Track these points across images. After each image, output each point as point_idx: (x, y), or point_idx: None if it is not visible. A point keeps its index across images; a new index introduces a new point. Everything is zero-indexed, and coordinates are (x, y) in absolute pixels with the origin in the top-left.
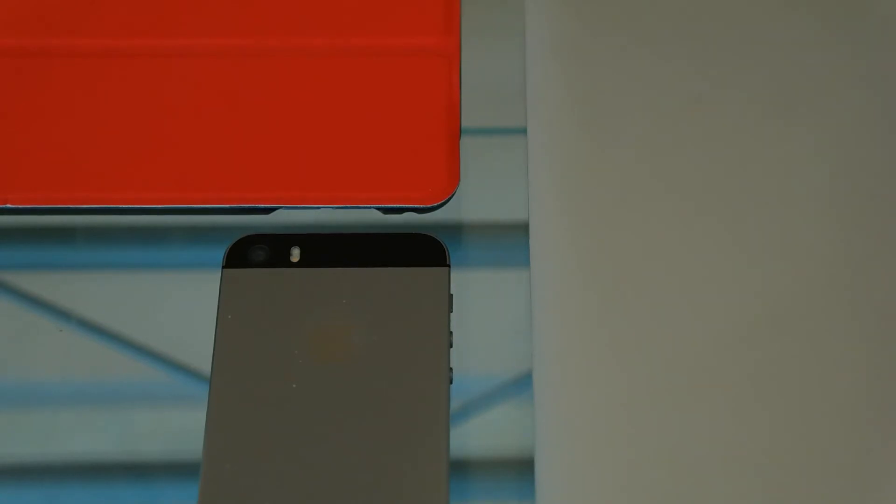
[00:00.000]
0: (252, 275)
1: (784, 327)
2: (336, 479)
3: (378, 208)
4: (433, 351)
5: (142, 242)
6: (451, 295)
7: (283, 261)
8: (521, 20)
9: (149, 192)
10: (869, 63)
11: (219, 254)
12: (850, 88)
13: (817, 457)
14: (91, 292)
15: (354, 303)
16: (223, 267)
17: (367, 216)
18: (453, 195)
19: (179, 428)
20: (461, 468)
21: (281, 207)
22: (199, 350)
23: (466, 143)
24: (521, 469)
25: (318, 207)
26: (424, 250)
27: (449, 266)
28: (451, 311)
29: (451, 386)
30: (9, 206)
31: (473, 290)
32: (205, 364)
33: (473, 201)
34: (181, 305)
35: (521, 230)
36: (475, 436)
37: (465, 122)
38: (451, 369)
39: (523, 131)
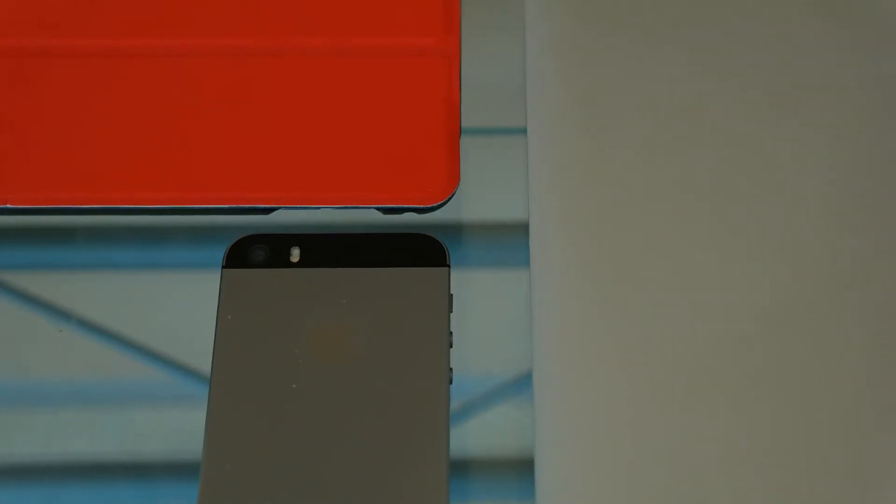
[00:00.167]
0: (252, 275)
1: (784, 327)
2: (336, 479)
3: (378, 208)
4: (433, 351)
5: (142, 242)
6: (451, 295)
7: (282, 261)
8: (521, 20)
9: (149, 192)
10: (869, 63)
11: (219, 254)
12: (850, 88)
13: (817, 457)
14: (91, 292)
15: (354, 303)
16: (223, 267)
17: (367, 216)
18: (453, 195)
19: (179, 428)
20: (461, 468)
21: (281, 207)
22: (199, 350)
23: (466, 143)
24: (521, 469)
25: (318, 207)
26: (424, 250)
27: (449, 266)
28: (451, 311)
29: (451, 386)
30: (9, 206)
31: (473, 290)
32: (205, 364)
33: (473, 201)
34: (181, 305)
35: (521, 230)
36: (475, 436)
37: (465, 122)
38: (451, 369)
39: (523, 131)
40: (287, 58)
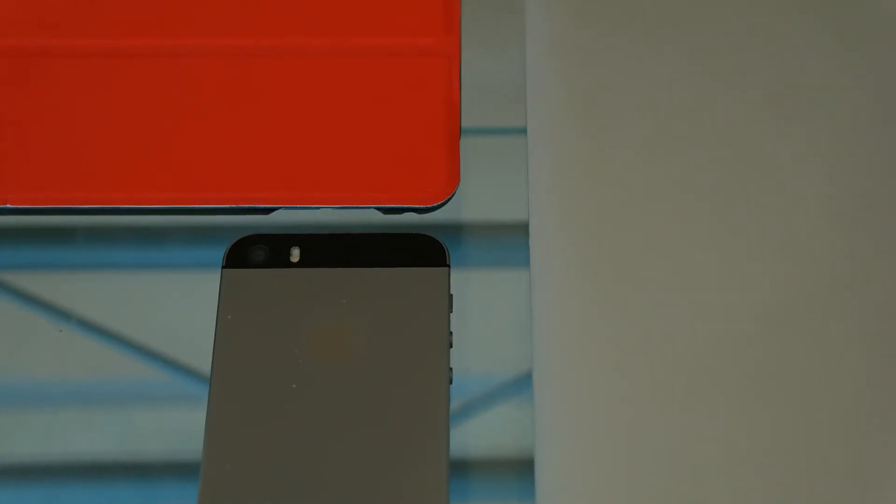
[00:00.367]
0: (252, 275)
1: (784, 327)
2: (336, 479)
3: (378, 208)
4: (433, 351)
5: (142, 242)
6: (451, 295)
7: (282, 261)
8: (521, 20)
9: (149, 192)
10: (869, 63)
11: (219, 254)
12: (850, 88)
13: (817, 457)
14: (91, 292)
15: (354, 303)
16: (223, 267)
17: (367, 216)
18: (453, 195)
19: (179, 428)
20: (461, 468)
21: (281, 207)
22: (199, 350)
23: (466, 143)
24: (521, 469)
25: (318, 207)
26: (424, 250)
27: (449, 266)
28: (451, 311)
29: (451, 386)
30: (9, 206)
31: (473, 290)
32: (205, 364)
33: (473, 201)
34: (181, 305)
35: (521, 230)
36: (475, 436)
37: (465, 122)
38: (451, 369)
39: (523, 131)
40: (287, 58)
